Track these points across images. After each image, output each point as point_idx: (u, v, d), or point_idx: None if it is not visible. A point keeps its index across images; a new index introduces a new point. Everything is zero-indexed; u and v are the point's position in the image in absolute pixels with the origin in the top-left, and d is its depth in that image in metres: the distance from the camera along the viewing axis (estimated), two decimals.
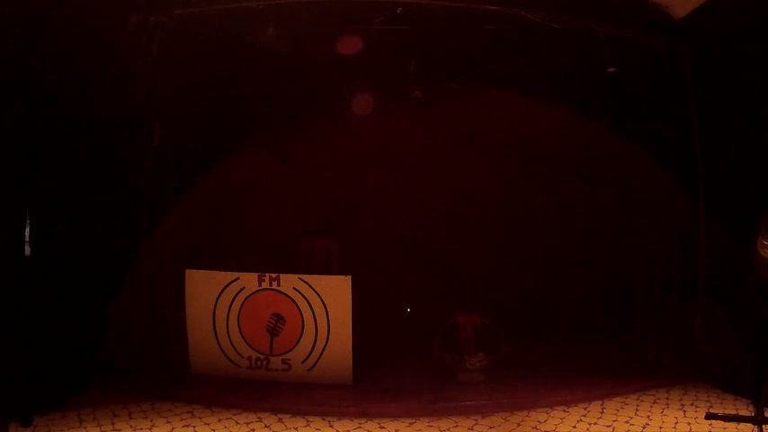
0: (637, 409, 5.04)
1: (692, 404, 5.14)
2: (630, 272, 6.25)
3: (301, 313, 5.50)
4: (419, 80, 6.50)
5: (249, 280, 5.56)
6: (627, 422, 4.77)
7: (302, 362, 5.51)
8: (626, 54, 5.77)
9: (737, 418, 4.32)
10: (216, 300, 5.59)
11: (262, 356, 5.56)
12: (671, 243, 5.96)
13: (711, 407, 5.05)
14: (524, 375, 5.67)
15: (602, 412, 5.00)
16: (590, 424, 4.77)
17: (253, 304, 5.56)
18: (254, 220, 6.71)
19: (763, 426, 4.02)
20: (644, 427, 4.67)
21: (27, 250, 4.69)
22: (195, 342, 5.62)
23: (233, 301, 5.57)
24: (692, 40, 5.71)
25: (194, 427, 4.66)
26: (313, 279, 5.53)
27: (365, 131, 6.80)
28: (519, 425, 4.79)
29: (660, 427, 4.67)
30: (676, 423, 4.75)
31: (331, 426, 4.74)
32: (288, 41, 5.71)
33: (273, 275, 5.53)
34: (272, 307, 5.54)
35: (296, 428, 4.69)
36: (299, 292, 5.50)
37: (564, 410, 5.04)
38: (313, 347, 5.50)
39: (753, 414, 4.12)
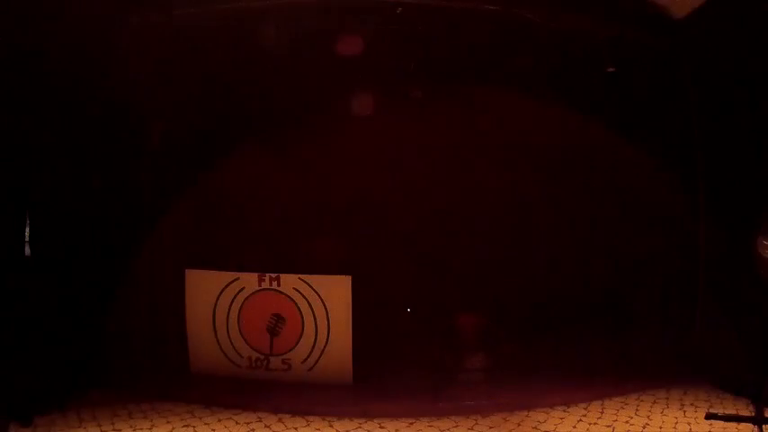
0: (637, 409, 5.04)
1: (691, 404, 5.14)
2: (630, 272, 6.25)
3: (301, 313, 5.50)
4: (419, 80, 6.50)
5: (249, 280, 5.56)
6: (627, 422, 4.77)
7: (302, 362, 5.51)
8: (626, 54, 5.76)
9: (737, 418, 4.33)
10: (216, 300, 5.59)
11: (262, 356, 5.55)
12: (671, 243, 5.95)
13: (711, 407, 5.04)
14: (524, 375, 5.67)
15: (602, 412, 5.00)
16: (590, 424, 4.77)
17: (253, 304, 5.56)
18: (254, 220, 6.70)
19: (763, 426, 4.02)
20: (644, 427, 4.67)
21: (27, 250, 4.68)
22: (195, 342, 5.62)
23: (233, 301, 5.57)
24: (692, 40, 5.71)
25: (194, 427, 4.66)
26: (313, 279, 5.53)
27: (365, 131, 6.79)
28: (519, 425, 4.79)
29: (660, 427, 4.67)
30: (676, 423, 4.75)
31: (331, 426, 4.74)
32: (288, 41, 5.71)
33: (273, 275, 5.54)
34: (272, 307, 5.54)
35: (296, 428, 4.69)
36: (299, 292, 5.50)
37: (564, 410, 5.04)
38: (313, 347, 5.50)
39: (753, 414, 4.12)
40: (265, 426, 4.72)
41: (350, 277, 5.47)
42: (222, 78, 6.16)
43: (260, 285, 5.55)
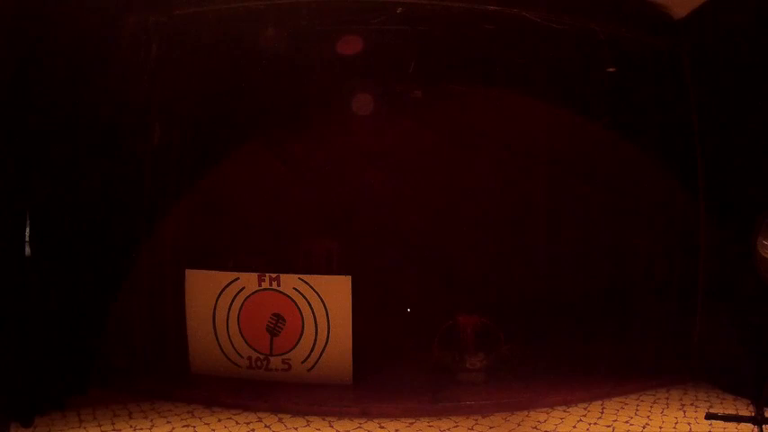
0: (637, 409, 5.04)
1: (692, 404, 5.14)
2: (630, 272, 6.25)
3: (301, 313, 5.50)
4: (419, 80, 6.50)
5: (249, 280, 5.56)
6: (627, 422, 4.77)
7: (302, 362, 5.51)
8: (626, 54, 5.77)
9: (737, 418, 4.32)
10: (216, 300, 5.58)
11: (262, 356, 5.56)
12: (671, 243, 5.95)
13: (711, 407, 5.05)
14: (524, 375, 5.67)
15: (602, 412, 5.00)
16: (590, 424, 4.77)
17: (253, 304, 5.56)
18: (254, 220, 6.71)
19: (763, 426, 4.02)
20: (644, 427, 4.67)
21: (27, 250, 4.68)
22: (195, 342, 5.62)
23: (233, 301, 5.57)
24: (692, 40, 5.71)
25: (194, 427, 4.66)
26: (313, 279, 5.53)
27: (365, 131, 6.80)
28: (519, 425, 4.79)
29: (660, 427, 4.67)
30: (676, 423, 4.75)
31: (331, 426, 4.74)
32: (287, 41, 5.71)
33: (273, 275, 5.53)
34: (272, 307, 5.54)
35: (296, 428, 4.69)
36: (299, 292, 5.50)
37: (564, 410, 5.05)
38: (313, 347, 5.50)
39: (753, 414, 4.12)
40: (265, 426, 4.72)
41: (350, 277, 5.47)
42: (222, 78, 6.17)
43: (260, 285, 5.55)
